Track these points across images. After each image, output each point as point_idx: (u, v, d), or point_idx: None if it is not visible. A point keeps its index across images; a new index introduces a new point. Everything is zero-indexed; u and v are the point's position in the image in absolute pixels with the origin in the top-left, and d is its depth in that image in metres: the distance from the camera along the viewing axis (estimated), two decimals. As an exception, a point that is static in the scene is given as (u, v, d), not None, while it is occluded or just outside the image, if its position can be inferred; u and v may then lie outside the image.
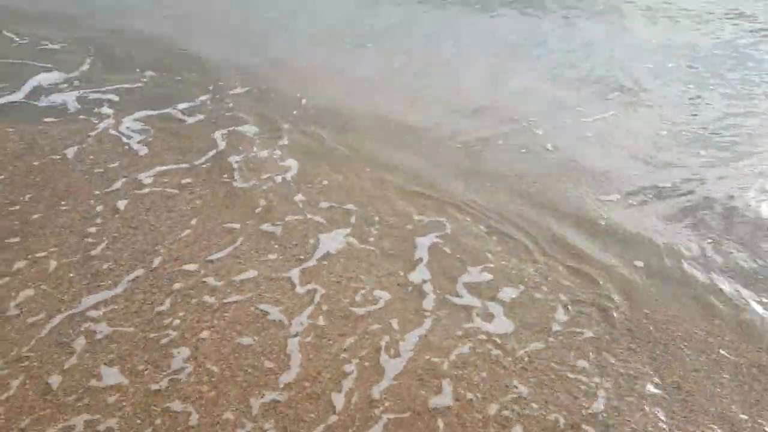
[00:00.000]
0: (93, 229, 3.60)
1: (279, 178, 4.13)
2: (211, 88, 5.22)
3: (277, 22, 6.79)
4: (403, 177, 4.18)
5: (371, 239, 3.59)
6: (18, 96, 5.07)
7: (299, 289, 3.22)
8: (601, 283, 3.27)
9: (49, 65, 5.51)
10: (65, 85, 5.26)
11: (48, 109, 4.93)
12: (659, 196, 3.96)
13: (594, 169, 4.22)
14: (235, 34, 6.37)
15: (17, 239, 3.52)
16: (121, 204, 3.83)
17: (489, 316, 3.07)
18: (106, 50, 5.87)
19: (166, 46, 6.01)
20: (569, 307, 3.12)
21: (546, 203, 3.91)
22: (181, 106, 4.95)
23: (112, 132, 4.63)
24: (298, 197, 3.94)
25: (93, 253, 3.42)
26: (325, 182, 4.11)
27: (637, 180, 4.12)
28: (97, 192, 3.96)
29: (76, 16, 6.78)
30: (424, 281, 3.28)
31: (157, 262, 3.36)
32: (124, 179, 4.09)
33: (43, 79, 5.22)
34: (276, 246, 3.52)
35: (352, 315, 3.06)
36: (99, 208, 3.79)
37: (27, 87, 5.18)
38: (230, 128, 4.68)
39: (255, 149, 4.44)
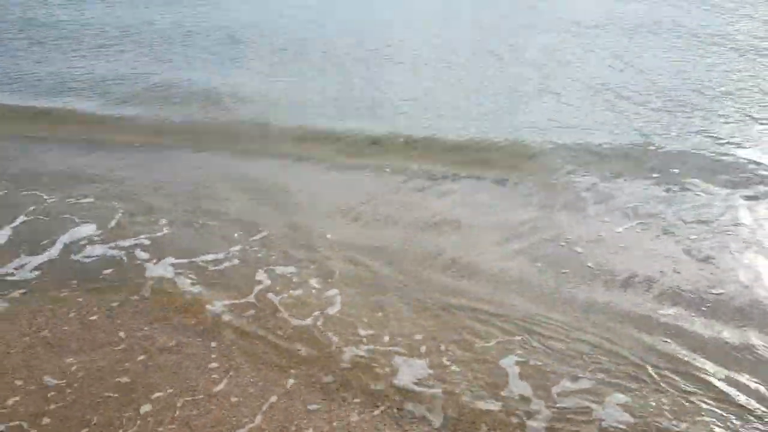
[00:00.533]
0: (214, 364, 3.80)
1: (331, 312, 4.37)
2: (236, 235, 5.41)
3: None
4: (461, 298, 4.51)
5: (453, 365, 3.87)
6: (58, 251, 5.15)
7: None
8: (715, 384, 3.68)
9: (81, 219, 5.63)
10: (100, 237, 5.38)
11: (97, 261, 5.03)
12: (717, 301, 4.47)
13: (639, 279, 4.69)
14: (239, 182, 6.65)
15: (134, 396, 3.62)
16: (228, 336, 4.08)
17: (607, 413, 3.48)
18: (132, 201, 6.02)
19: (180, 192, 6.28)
20: (688, 403, 3.56)
21: (616, 316, 4.32)
22: (214, 250, 5.15)
23: (166, 275, 4.81)
24: (363, 332, 4.17)
25: (216, 389, 3.60)
26: (380, 314, 4.36)
27: (693, 286, 4.60)
28: (201, 328, 4.17)
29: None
30: (526, 391, 3.65)
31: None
32: (219, 312, 4.37)
33: (78, 232, 5.35)
34: (378, 373, 3.82)
35: (476, 410, 3.46)
36: (214, 355, 3.97)
37: (62, 242, 5.26)
38: (266, 268, 4.89)
39: (295, 287, 4.66)
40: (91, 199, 6.06)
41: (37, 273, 4.86)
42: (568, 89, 8.74)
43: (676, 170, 6.37)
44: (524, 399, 3.60)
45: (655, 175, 6.30)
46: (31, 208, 5.88)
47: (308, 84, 9.48)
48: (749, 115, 7.55)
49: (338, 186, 6.42)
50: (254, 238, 5.35)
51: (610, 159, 6.71)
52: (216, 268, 4.93)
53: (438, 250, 5.16)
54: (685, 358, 3.91)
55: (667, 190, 5.99)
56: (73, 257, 5.08)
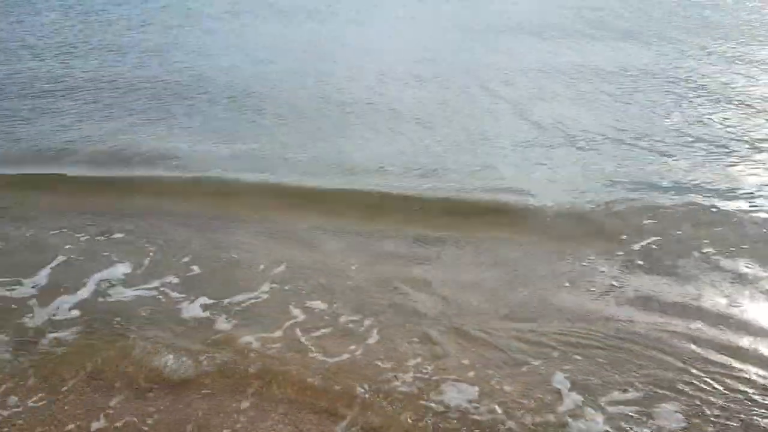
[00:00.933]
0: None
1: (371, 343, 4.55)
2: (261, 267, 5.53)
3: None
4: (497, 321, 4.76)
5: (503, 384, 4.09)
6: (95, 290, 5.19)
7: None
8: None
9: (112, 260, 5.65)
10: (130, 279, 5.40)
11: (135, 300, 5.09)
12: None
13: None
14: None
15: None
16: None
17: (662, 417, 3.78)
18: (154, 241, 6.03)
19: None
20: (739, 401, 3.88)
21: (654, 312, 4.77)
22: (244, 290, 5.23)
23: (201, 315, 4.91)
24: (414, 361, 4.34)
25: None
26: (416, 340, 4.54)
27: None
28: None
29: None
30: (579, 400, 3.92)
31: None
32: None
33: (109, 273, 5.38)
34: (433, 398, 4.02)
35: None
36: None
37: (93, 283, 5.30)
38: (298, 302, 5.03)
39: (327, 325, 4.79)
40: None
41: (77, 313, 4.88)
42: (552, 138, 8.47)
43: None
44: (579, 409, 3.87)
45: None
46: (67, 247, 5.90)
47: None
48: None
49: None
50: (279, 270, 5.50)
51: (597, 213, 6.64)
52: (248, 305, 5.04)
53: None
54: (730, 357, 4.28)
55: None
56: (111, 296, 5.13)
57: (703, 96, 9.76)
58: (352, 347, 4.51)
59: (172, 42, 13.66)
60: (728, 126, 8.52)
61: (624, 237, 5.90)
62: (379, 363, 4.33)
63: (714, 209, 6.37)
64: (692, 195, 6.69)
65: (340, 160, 7.95)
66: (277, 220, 6.51)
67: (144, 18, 15.99)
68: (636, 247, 5.72)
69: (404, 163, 7.75)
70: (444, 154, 8.03)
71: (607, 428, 3.72)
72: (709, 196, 6.66)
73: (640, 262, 5.49)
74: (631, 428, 3.72)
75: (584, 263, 5.51)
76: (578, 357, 4.32)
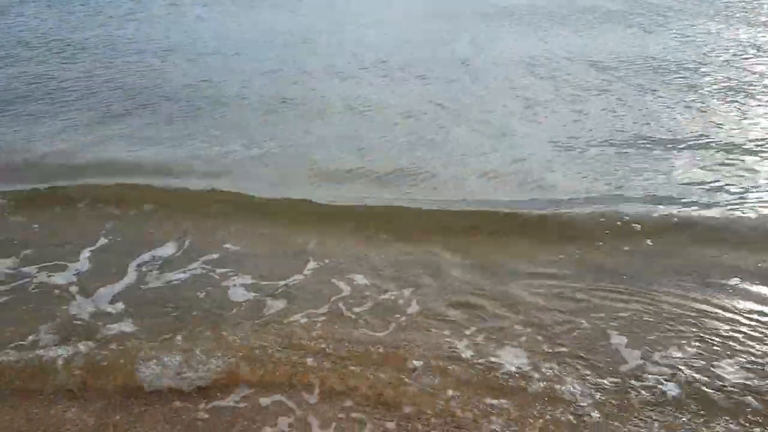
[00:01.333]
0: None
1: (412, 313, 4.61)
2: (297, 240, 5.59)
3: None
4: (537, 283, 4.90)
5: (559, 346, 4.16)
6: (138, 275, 5.11)
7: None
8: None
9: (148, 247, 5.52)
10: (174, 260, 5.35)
11: (183, 284, 5.03)
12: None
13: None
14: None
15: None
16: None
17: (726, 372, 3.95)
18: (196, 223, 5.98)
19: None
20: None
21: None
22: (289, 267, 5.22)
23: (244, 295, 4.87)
24: (467, 330, 4.36)
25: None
26: (461, 308, 4.58)
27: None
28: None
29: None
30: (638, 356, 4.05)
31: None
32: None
33: (147, 258, 5.32)
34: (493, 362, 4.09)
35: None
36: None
37: (142, 265, 5.25)
38: (342, 276, 5.05)
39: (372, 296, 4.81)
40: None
41: (123, 304, 4.76)
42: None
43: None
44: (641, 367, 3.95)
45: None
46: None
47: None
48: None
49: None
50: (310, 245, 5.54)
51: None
52: (293, 283, 5.01)
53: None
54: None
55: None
56: (156, 281, 5.04)
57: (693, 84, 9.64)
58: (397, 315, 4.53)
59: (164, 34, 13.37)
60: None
61: (635, 228, 5.79)
62: (432, 332, 4.35)
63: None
64: (692, 185, 6.67)
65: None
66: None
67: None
68: (655, 213, 5.86)
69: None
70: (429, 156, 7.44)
71: (675, 383, 3.82)
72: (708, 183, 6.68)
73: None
74: (697, 384, 3.81)
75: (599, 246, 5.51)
76: (626, 314, 4.44)
